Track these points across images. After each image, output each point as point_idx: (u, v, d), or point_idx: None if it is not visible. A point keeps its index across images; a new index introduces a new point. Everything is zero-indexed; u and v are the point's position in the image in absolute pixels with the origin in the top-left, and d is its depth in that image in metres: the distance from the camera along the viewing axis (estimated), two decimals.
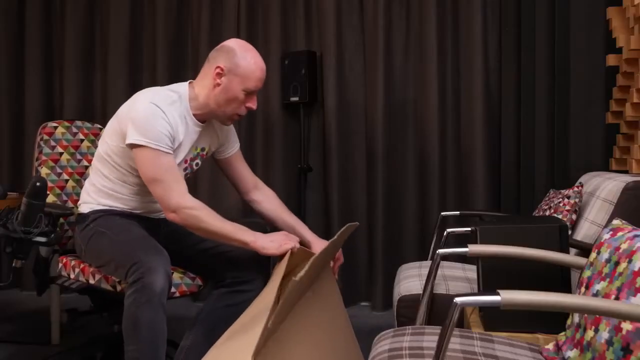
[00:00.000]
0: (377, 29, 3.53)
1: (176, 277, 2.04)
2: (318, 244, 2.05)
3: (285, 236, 1.86)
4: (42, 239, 1.92)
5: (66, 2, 3.92)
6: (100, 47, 3.95)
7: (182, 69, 3.85)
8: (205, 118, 2.05)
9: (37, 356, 2.69)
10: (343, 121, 3.61)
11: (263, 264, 2.09)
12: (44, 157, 2.41)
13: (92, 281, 2.06)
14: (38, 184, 1.86)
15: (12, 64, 4.00)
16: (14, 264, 1.97)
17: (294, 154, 3.72)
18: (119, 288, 1.98)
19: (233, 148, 2.22)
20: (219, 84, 1.96)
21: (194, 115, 2.02)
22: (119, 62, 3.86)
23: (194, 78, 2.08)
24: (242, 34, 3.73)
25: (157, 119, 1.88)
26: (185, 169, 2.10)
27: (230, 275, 2.07)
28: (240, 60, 1.94)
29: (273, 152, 3.73)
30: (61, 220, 2.29)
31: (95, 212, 2.07)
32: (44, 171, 2.39)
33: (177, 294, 2.03)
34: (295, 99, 3.53)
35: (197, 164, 2.15)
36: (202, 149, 2.13)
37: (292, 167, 3.72)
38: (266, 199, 2.21)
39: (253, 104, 1.99)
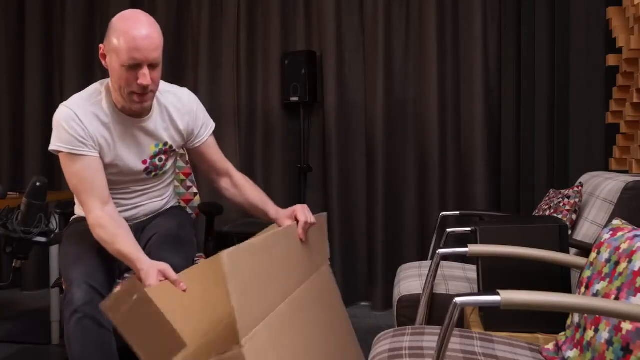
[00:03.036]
0: (377, 29, 3.53)
1: None
2: (283, 221, 1.81)
3: (154, 273, 1.58)
4: (42, 239, 1.91)
5: (66, 2, 3.93)
6: None
7: (182, 69, 3.85)
8: (132, 111, 1.84)
9: (37, 356, 2.69)
10: (343, 121, 3.61)
11: None
12: None
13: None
14: (38, 184, 1.85)
15: (12, 64, 4.00)
16: (14, 264, 1.97)
17: (294, 154, 3.72)
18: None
19: (203, 136, 2.01)
20: (107, 67, 1.79)
21: (122, 110, 1.84)
22: None
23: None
24: (242, 34, 3.73)
25: (65, 122, 1.77)
26: (147, 170, 1.95)
27: None
28: (112, 33, 1.77)
29: (273, 152, 3.72)
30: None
31: (75, 220, 2.06)
32: None
33: None
34: (295, 99, 3.53)
35: (160, 160, 1.97)
36: (165, 144, 1.95)
37: (292, 167, 3.72)
38: (231, 186, 2.03)
39: (143, 79, 1.72)
